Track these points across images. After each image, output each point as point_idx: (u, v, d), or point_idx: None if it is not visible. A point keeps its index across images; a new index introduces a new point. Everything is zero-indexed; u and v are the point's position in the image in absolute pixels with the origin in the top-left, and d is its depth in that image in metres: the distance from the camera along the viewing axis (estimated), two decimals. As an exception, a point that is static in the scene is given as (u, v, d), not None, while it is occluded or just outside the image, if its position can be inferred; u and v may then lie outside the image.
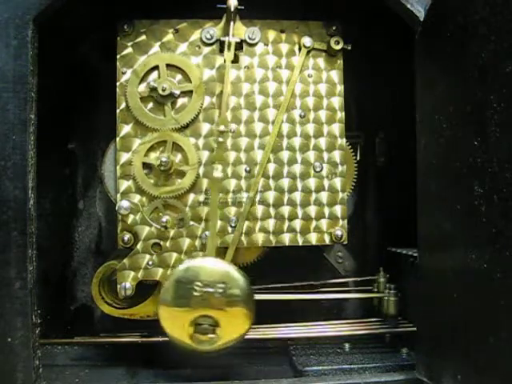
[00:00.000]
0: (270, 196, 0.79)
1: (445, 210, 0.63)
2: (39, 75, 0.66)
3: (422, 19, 0.68)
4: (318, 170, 0.80)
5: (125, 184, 0.77)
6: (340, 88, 0.81)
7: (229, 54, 0.75)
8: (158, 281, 0.77)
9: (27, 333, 0.63)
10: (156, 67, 0.77)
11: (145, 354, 0.81)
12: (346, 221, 0.80)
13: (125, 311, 0.80)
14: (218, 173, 0.74)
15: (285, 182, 0.79)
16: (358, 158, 0.89)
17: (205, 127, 0.78)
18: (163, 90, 0.76)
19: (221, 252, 0.78)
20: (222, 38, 0.77)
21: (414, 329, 0.78)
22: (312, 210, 0.80)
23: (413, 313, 0.83)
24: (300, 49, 0.80)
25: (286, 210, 0.79)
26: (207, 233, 0.76)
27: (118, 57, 0.78)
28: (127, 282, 0.76)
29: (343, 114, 0.81)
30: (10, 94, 0.63)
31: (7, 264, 0.63)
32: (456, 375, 0.60)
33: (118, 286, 0.76)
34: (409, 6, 0.68)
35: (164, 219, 0.76)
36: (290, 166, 0.79)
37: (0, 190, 0.63)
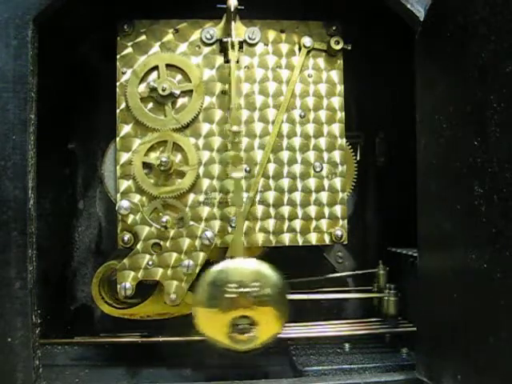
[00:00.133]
0: (270, 196, 0.79)
1: (445, 210, 0.63)
2: (39, 75, 0.66)
3: (421, 19, 0.68)
4: (317, 170, 0.80)
5: (125, 184, 0.77)
6: (340, 88, 0.81)
7: (234, 54, 0.75)
8: (157, 281, 0.77)
9: (27, 333, 0.63)
10: (156, 67, 0.77)
11: (145, 354, 0.81)
12: (345, 221, 0.80)
13: (125, 311, 0.80)
14: (237, 173, 0.73)
15: (285, 182, 0.79)
16: (358, 158, 0.89)
17: (205, 127, 0.78)
18: (163, 90, 0.76)
19: (221, 252, 0.78)
20: (225, 39, 0.76)
21: (414, 329, 0.78)
22: (312, 210, 0.80)
23: (413, 313, 0.83)
24: (300, 49, 0.80)
25: (285, 210, 0.79)
26: (207, 233, 0.76)
27: (118, 57, 0.78)
28: (127, 282, 0.76)
29: (343, 114, 0.81)
30: (10, 93, 0.63)
31: (7, 264, 0.63)
32: (456, 375, 0.60)
33: (118, 286, 0.76)
34: (409, 5, 0.68)
35: (164, 219, 0.76)
36: (289, 166, 0.79)
37: (0, 189, 0.63)
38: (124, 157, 0.78)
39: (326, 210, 0.80)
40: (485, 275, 0.54)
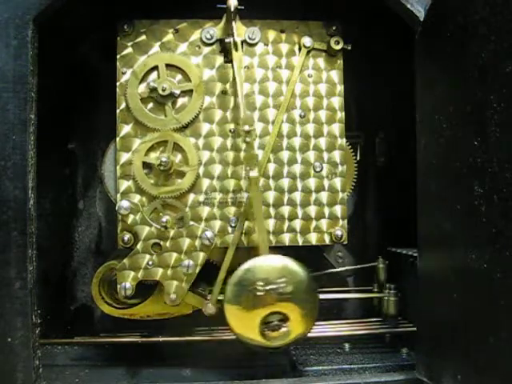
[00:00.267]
0: (270, 196, 0.79)
1: (445, 210, 0.63)
2: (39, 75, 0.66)
3: (421, 19, 0.68)
4: (318, 170, 0.80)
5: (125, 184, 0.78)
6: (340, 88, 0.81)
7: (237, 54, 0.75)
8: (157, 281, 0.77)
9: (27, 333, 0.63)
10: (155, 67, 0.77)
11: (145, 354, 0.81)
12: (345, 221, 0.80)
13: (125, 311, 0.80)
14: (253, 172, 0.73)
15: (285, 182, 0.79)
16: (358, 158, 0.89)
17: (205, 127, 0.78)
18: (163, 90, 0.76)
19: (222, 252, 0.78)
20: (227, 39, 0.76)
21: (414, 329, 0.78)
22: (312, 210, 0.80)
23: (413, 313, 0.83)
24: (300, 49, 0.80)
25: (285, 210, 0.79)
26: (207, 233, 0.76)
27: (118, 57, 0.78)
28: (127, 282, 0.76)
29: (343, 113, 0.81)
30: (10, 93, 0.63)
31: (7, 264, 0.63)
32: (456, 375, 0.60)
33: (118, 286, 0.76)
34: (409, 5, 0.68)
35: (164, 219, 0.76)
36: (289, 166, 0.80)
37: (0, 189, 0.63)
38: (124, 157, 0.78)
39: (326, 210, 0.80)
40: (485, 275, 0.54)
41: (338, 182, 0.80)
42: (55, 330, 0.86)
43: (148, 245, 0.76)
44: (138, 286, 0.76)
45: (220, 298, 0.73)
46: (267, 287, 0.68)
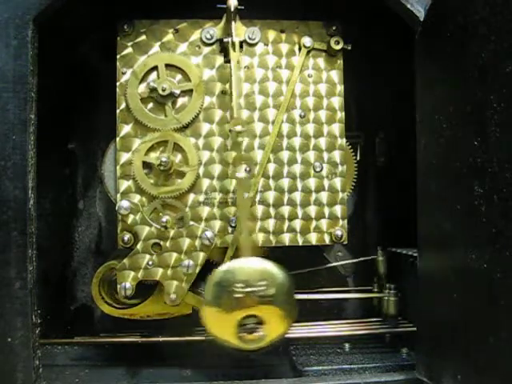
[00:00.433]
0: (270, 196, 0.79)
1: (445, 210, 0.63)
2: (39, 75, 0.66)
3: (421, 19, 0.68)
4: (317, 170, 0.80)
5: (125, 184, 0.77)
6: (340, 88, 0.81)
7: (235, 54, 0.75)
8: (157, 281, 0.77)
9: (27, 333, 0.63)
10: (155, 67, 0.77)
11: (145, 354, 0.81)
12: (345, 221, 0.80)
13: (125, 311, 0.80)
14: (241, 173, 0.73)
15: (285, 182, 0.79)
16: (358, 158, 0.89)
17: (205, 127, 0.78)
18: (163, 90, 0.76)
19: (221, 252, 0.78)
20: (225, 39, 0.76)
21: (414, 329, 0.78)
22: (312, 210, 0.80)
23: (413, 313, 0.83)
24: (300, 49, 0.80)
25: (285, 210, 0.79)
26: (207, 233, 0.76)
27: (118, 57, 0.78)
28: (127, 282, 0.76)
29: (343, 114, 0.81)
30: (10, 94, 0.63)
31: (7, 264, 0.63)
32: (456, 375, 0.60)
33: (118, 286, 0.76)
34: (409, 5, 0.68)
35: (164, 219, 0.76)
36: (290, 166, 0.80)
37: (0, 189, 0.63)
38: (124, 157, 0.78)
39: (326, 210, 0.80)
40: (485, 275, 0.54)
41: (337, 182, 0.80)
42: (55, 330, 0.86)
43: (148, 245, 0.76)
44: (137, 286, 0.76)
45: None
46: (246, 289, 0.67)
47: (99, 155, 0.93)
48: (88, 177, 0.95)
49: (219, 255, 0.79)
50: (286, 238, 0.79)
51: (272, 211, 0.79)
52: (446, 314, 0.63)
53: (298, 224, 0.79)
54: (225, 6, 0.74)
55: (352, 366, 0.77)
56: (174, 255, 0.77)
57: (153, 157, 0.77)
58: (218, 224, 0.78)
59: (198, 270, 0.76)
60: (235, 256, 0.77)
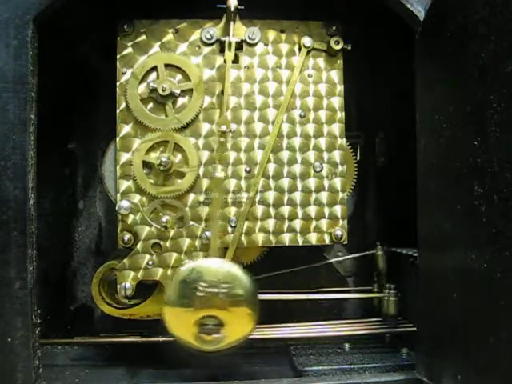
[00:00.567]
0: (270, 196, 0.79)
1: (445, 210, 0.63)
2: (39, 75, 0.66)
3: (421, 19, 0.68)
4: (317, 170, 0.80)
5: (125, 184, 0.77)
6: (340, 88, 0.81)
7: (229, 54, 0.75)
8: (158, 281, 0.77)
9: (27, 333, 0.63)
10: (154, 68, 0.77)
11: (145, 354, 0.81)
12: (345, 221, 0.80)
13: (125, 311, 0.80)
14: (219, 173, 0.74)
15: (285, 182, 0.79)
16: (358, 158, 0.89)
17: (205, 127, 0.78)
18: (163, 90, 0.76)
19: (221, 252, 0.78)
20: (222, 38, 0.77)
21: (414, 329, 0.78)
22: (312, 210, 0.80)
23: (413, 313, 0.83)
24: (300, 49, 0.80)
25: (285, 210, 0.79)
26: (207, 233, 0.76)
27: (118, 57, 0.78)
28: (127, 282, 0.76)
29: (343, 113, 0.81)
30: (10, 93, 0.63)
31: (7, 264, 0.63)
32: (456, 375, 0.60)
33: (118, 286, 0.76)
34: (409, 5, 0.68)
35: (164, 219, 0.76)
36: (289, 166, 0.79)
37: (0, 189, 0.63)
38: (124, 157, 0.78)
39: (326, 210, 0.80)
40: (485, 275, 0.54)
41: (338, 182, 0.80)
42: (55, 330, 0.86)
43: (148, 245, 0.77)
44: (137, 286, 0.76)
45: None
46: (209, 289, 0.68)
47: (99, 155, 0.93)
48: (88, 177, 0.95)
49: (219, 255, 0.78)
50: (286, 238, 0.79)
51: (272, 211, 0.79)
52: (445, 314, 0.63)
53: (298, 224, 0.79)
54: (225, 6, 0.74)
55: (352, 366, 0.77)
56: (174, 255, 0.77)
57: (153, 157, 0.77)
58: (219, 224, 0.78)
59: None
60: (234, 256, 0.77)
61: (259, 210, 0.79)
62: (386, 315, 0.86)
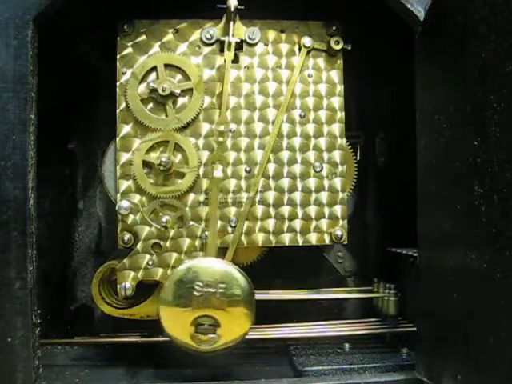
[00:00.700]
0: (270, 196, 0.79)
1: (445, 210, 0.63)
2: (39, 75, 0.66)
3: (421, 19, 0.68)
4: (317, 170, 0.80)
5: (125, 184, 0.77)
6: (340, 88, 0.81)
7: (229, 54, 0.75)
8: (158, 281, 0.77)
9: (27, 333, 0.63)
10: (154, 68, 0.77)
11: (145, 354, 0.81)
12: (345, 221, 0.80)
13: (125, 311, 0.80)
14: (218, 172, 0.74)
15: (285, 182, 0.79)
16: (358, 158, 0.89)
17: (205, 127, 0.78)
18: (163, 90, 0.76)
19: (221, 252, 0.78)
20: (222, 38, 0.77)
21: (414, 329, 0.78)
22: (312, 210, 0.80)
23: (413, 313, 0.83)
24: (300, 49, 0.80)
25: (285, 210, 0.79)
26: (207, 233, 0.76)
27: (118, 57, 0.78)
28: (127, 282, 0.76)
29: (343, 113, 0.81)
30: (10, 93, 0.63)
31: (7, 264, 0.63)
32: (456, 375, 0.60)
33: (118, 286, 0.76)
34: (409, 5, 0.68)
35: (164, 219, 0.76)
36: (290, 166, 0.79)
37: (0, 189, 0.63)
38: (124, 157, 0.78)
39: (326, 210, 0.80)
40: (485, 275, 0.54)
41: (338, 182, 0.80)
42: (55, 330, 0.86)
43: (148, 245, 0.77)
44: (137, 286, 0.76)
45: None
46: (205, 289, 0.68)
47: (99, 155, 0.93)
48: (88, 177, 0.95)
49: (219, 255, 0.78)
50: (286, 238, 0.79)
51: (272, 211, 0.79)
52: (446, 314, 0.63)
53: (298, 224, 0.79)
54: (225, 6, 0.74)
55: (352, 366, 0.77)
56: (174, 255, 0.77)
57: (153, 156, 0.77)
58: (218, 224, 0.78)
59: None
60: (235, 256, 0.77)
61: (259, 210, 0.79)
62: (386, 315, 0.86)
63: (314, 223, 0.80)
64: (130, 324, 0.82)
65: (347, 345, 0.85)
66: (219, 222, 0.78)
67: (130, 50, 0.78)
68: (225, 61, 0.76)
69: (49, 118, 0.73)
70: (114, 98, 0.78)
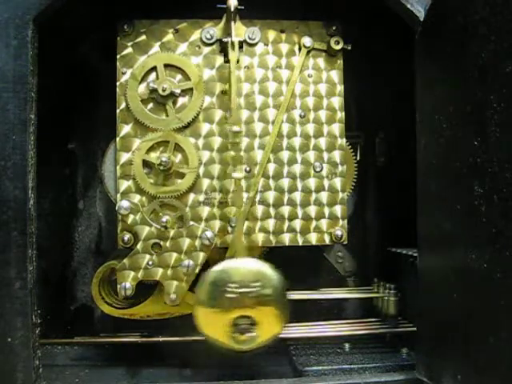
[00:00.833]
0: (270, 196, 0.79)
1: (445, 210, 0.63)
2: (39, 75, 0.66)
3: (421, 19, 0.68)
4: (317, 170, 0.80)
5: (125, 184, 0.77)
6: (340, 88, 0.81)
7: (233, 54, 0.75)
8: (158, 281, 0.77)
9: (27, 333, 0.63)
10: (155, 68, 0.77)
11: (145, 354, 0.81)
12: (345, 221, 0.80)
13: (125, 311, 0.80)
14: (238, 174, 0.74)
15: (285, 182, 0.79)
16: (358, 158, 0.89)
17: (205, 127, 0.78)
18: (163, 91, 0.76)
19: (221, 252, 0.78)
20: (224, 39, 0.76)
21: (414, 329, 0.78)
22: (312, 210, 0.80)
23: (413, 313, 0.83)
24: (300, 49, 0.80)
25: (285, 210, 0.79)
26: (207, 233, 0.76)
27: (118, 57, 0.78)
28: (127, 282, 0.76)
29: (343, 113, 0.81)
30: (10, 93, 0.63)
31: (7, 264, 0.63)
32: (456, 375, 0.60)
33: (118, 286, 0.76)
34: (409, 5, 0.68)
35: (164, 219, 0.76)
36: (290, 166, 0.80)
37: (0, 189, 0.63)
38: (124, 157, 0.78)
39: (326, 210, 0.80)
40: (485, 275, 0.54)
41: (337, 182, 0.80)
42: (55, 330, 0.86)
43: (148, 245, 0.76)
44: (137, 286, 0.76)
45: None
46: (240, 290, 0.68)
47: (99, 155, 0.93)
48: (88, 177, 0.95)
49: (219, 255, 0.79)
50: (286, 238, 0.79)
51: (272, 211, 0.79)
52: (446, 314, 0.63)
53: (298, 224, 0.79)
54: (225, 6, 0.74)
55: (352, 366, 0.77)
56: (174, 255, 0.77)
57: (153, 156, 0.77)
58: (217, 224, 0.78)
59: (198, 270, 0.76)
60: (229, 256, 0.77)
61: (259, 210, 0.79)
62: (386, 315, 0.86)
63: (313, 223, 0.80)
64: (130, 324, 0.82)
65: (347, 345, 0.85)
66: (219, 222, 0.78)
67: (129, 50, 0.78)
68: (229, 61, 0.76)
69: (49, 118, 0.73)
70: (114, 98, 0.78)
